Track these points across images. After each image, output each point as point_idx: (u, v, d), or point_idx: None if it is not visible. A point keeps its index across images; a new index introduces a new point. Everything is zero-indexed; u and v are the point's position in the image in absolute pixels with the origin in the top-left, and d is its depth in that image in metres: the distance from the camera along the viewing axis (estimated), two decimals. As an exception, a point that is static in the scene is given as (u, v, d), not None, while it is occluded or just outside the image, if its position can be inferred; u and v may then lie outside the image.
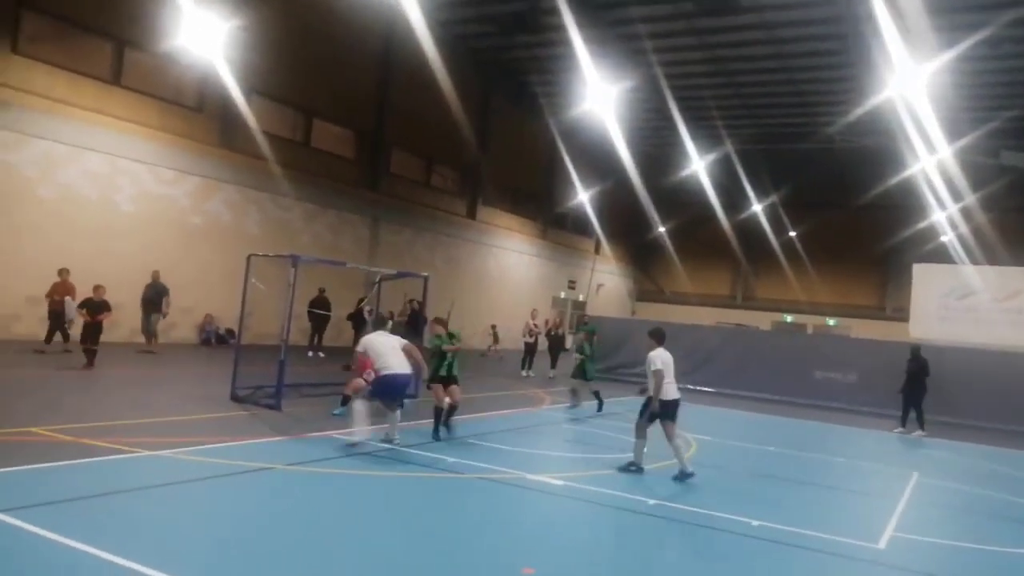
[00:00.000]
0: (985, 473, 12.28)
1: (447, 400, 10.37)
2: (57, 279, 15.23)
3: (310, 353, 19.89)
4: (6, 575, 4.61)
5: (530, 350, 21.90)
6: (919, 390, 15.88)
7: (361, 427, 9.21)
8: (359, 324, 21.48)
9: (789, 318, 41.71)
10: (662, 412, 8.97)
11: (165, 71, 20.12)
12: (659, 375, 8.90)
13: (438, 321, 11.10)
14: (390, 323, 10.19)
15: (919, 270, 35.57)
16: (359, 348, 9.73)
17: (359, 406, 9.34)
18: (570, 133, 34.13)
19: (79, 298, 14.72)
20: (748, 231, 40.47)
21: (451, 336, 10.89)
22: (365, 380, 9.71)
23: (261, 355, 13.01)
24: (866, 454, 13.47)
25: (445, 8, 25.33)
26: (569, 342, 24.50)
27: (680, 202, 40.58)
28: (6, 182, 16.83)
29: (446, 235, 30.93)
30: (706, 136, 35.18)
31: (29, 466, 6.88)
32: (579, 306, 39.31)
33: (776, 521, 7.45)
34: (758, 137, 37.21)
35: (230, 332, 19.99)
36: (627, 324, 26.08)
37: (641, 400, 9.38)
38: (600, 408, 14.37)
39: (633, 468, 9.15)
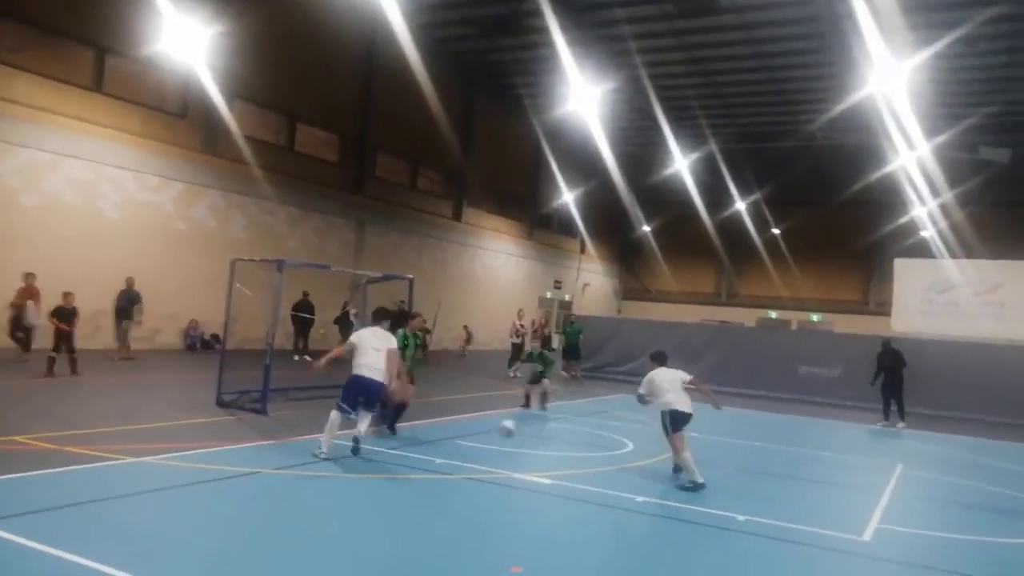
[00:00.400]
0: (968, 464, 12.43)
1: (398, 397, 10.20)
2: (23, 284, 14.98)
3: (296, 357, 19.83)
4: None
5: (517, 351, 21.94)
6: (897, 383, 16.09)
7: (327, 437, 8.70)
8: (345, 327, 21.48)
9: (774, 314, 41.97)
10: (674, 423, 8.84)
11: (147, 77, 20.03)
12: (641, 398, 9.29)
13: (416, 317, 11.28)
14: (388, 323, 9.58)
15: (900, 265, 35.88)
16: (352, 339, 9.30)
17: (333, 416, 8.75)
18: (554, 134, 34.22)
19: (45, 304, 14.50)
20: (732, 229, 40.68)
21: (415, 337, 11.02)
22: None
23: (246, 360, 12.98)
24: (850, 447, 13.61)
25: (427, 12, 25.33)
26: (556, 342, 24.55)
27: (664, 201, 40.75)
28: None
29: (432, 237, 30.93)
30: (689, 135, 35.35)
31: (12, 475, 6.86)
32: (565, 306, 39.40)
33: (762, 516, 7.53)
34: (740, 136, 37.44)
35: (215, 337, 19.91)
36: (613, 323, 26.19)
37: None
38: (526, 406, 14.10)
39: (690, 485, 8.58)
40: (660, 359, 9.41)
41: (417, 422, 11.39)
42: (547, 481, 8.46)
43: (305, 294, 20.88)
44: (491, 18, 26.66)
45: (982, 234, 33.19)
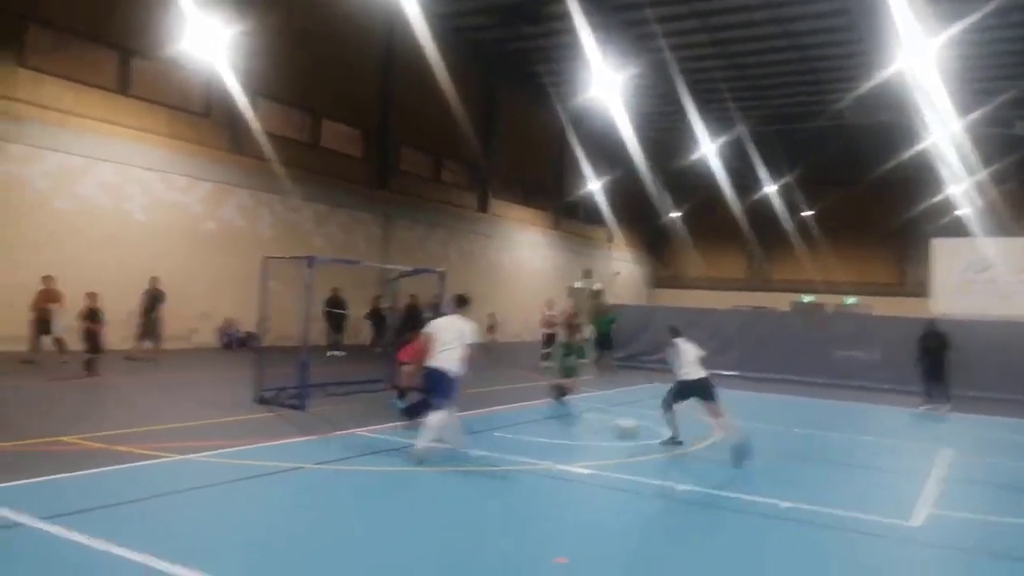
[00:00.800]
0: (1015, 445, 12.16)
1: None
2: (42, 287, 15.00)
3: (328, 353, 19.95)
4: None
5: (548, 341, 21.87)
6: (941, 365, 15.75)
7: (427, 440, 8.34)
8: (378, 322, 21.62)
9: (808, 298, 41.45)
10: (680, 390, 9.98)
11: (171, 78, 20.21)
12: (669, 361, 10.23)
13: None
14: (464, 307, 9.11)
15: (937, 244, 35.25)
16: (428, 329, 8.90)
17: (435, 419, 8.41)
18: (579, 122, 34.01)
19: (67, 306, 14.66)
20: (762, 212, 40.18)
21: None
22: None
23: (282, 356, 13.07)
24: (892, 431, 13.37)
25: (444, 2, 25.24)
26: (587, 332, 24.43)
27: (692, 186, 40.38)
28: (21, 196, 16.97)
29: (458, 229, 30.94)
30: (715, 119, 34.92)
31: (63, 475, 6.96)
32: (595, 295, 39.22)
33: (805, 502, 7.41)
34: (768, 117, 36.91)
35: (250, 335, 20.10)
36: (645, 311, 26.02)
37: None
38: (558, 399, 13.72)
39: (672, 442, 10.01)
40: (674, 332, 10.31)
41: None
42: (586, 471, 8.41)
43: (335, 290, 21.00)
44: (511, 6, 26.52)
45: (1020, 211, 32.45)
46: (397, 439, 9.47)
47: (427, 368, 8.65)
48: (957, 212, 35.19)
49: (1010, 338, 18.53)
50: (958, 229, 34.87)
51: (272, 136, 21.92)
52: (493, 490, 7.67)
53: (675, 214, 42.29)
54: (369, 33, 25.78)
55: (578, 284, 38.94)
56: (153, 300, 17.10)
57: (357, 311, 22.01)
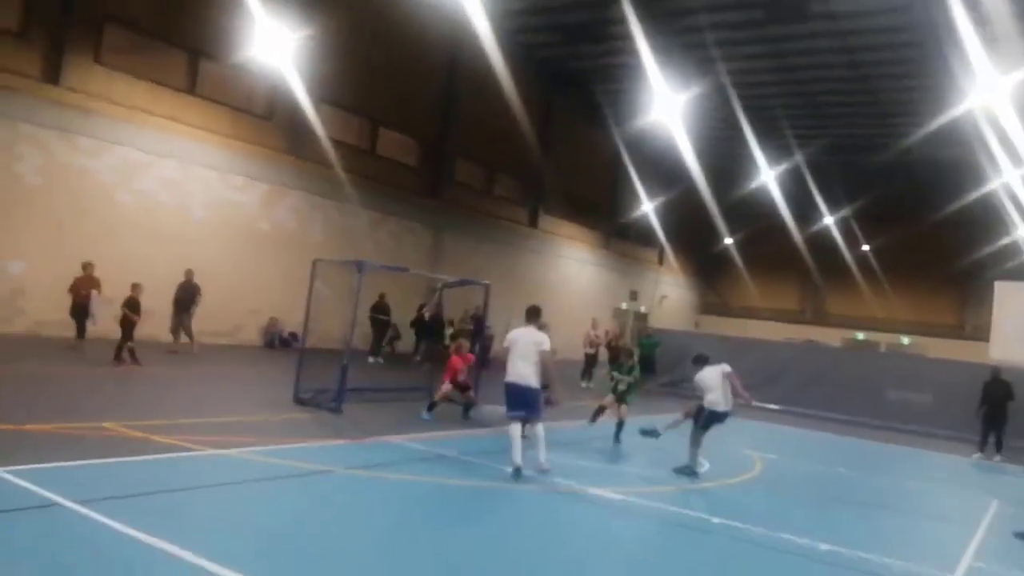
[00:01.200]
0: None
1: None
2: (81, 273, 15.08)
3: (370, 359, 20.00)
4: (80, 566, 4.72)
5: (590, 361, 21.65)
6: (1001, 414, 15.16)
7: (515, 451, 8.45)
8: (421, 330, 21.69)
9: (861, 335, 40.33)
10: (708, 421, 9.78)
11: (237, 81, 20.68)
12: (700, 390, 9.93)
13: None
14: (541, 318, 9.13)
15: (1001, 288, 33.90)
16: (504, 343, 8.97)
17: (513, 431, 8.51)
18: (635, 142, 33.79)
19: (104, 293, 14.88)
20: (819, 244, 39.29)
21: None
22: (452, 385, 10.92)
23: (323, 359, 13.15)
24: (941, 478, 12.85)
25: (510, 17, 25.39)
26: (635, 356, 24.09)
27: (747, 214, 39.72)
28: (84, 187, 17.48)
29: (508, 243, 30.93)
30: (775, 146, 34.37)
31: (102, 460, 7.07)
32: (641, 318, 38.80)
33: (845, 545, 7.13)
34: (830, 148, 36.18)
35: (293, 335, 20.34)
36: (690, 338, 25.59)
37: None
38: (617, 437, 12.20)
39: (684, 469, 9.73)
40: (701, 361, 10.10)
41: (489, 430, 11.33)
42: (620, 496, 8.23)
43: (382, 296, 21.14)
44: (574, 25, 26.54)
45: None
46: (428, 448, 9.42)
47: (506, 382, 8.72)
48: (1024, 257, 33.94)
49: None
50: (1024, 274, 33.58)
51: (330, 141, 22.25)
52: (521, 509, 7.56)
53: (729, 240, 41.64)
54: (433, 44, 26.04)
55: (624, 305, 38.58)
56: (187, 293, 16.83)
57: (403, 319, 22.12)
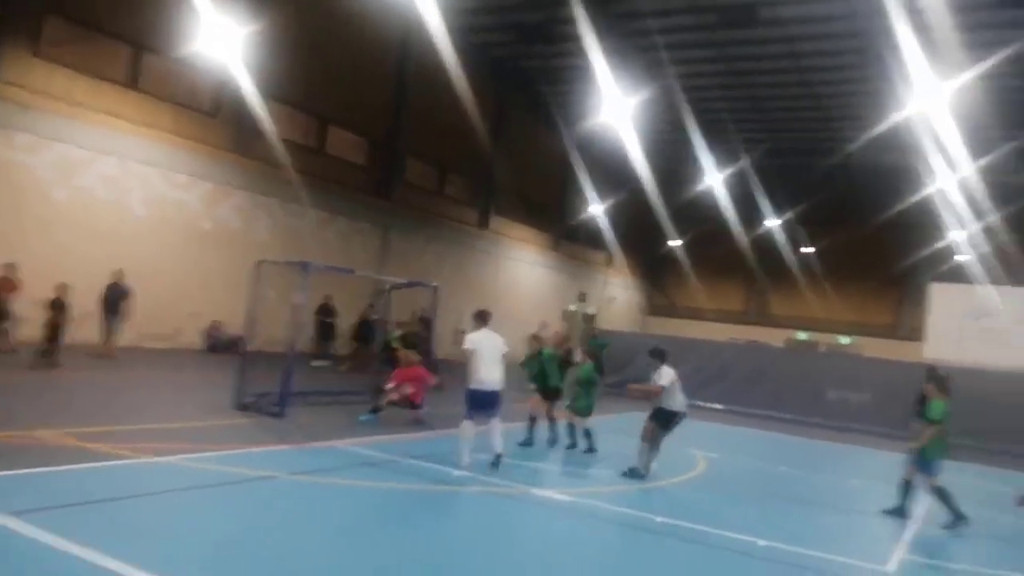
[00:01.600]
0: (997, 496, 12.00)
1: None
2: (1, 274, 14.56)
3: (313, 363, 19.63)
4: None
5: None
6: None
7: (465, 452, 9.10)
8: (365, 332, 21.46)
9: (802, 335, 41.33)
10: (667, 421, 9.69)
11: (181, 75, 20.20)
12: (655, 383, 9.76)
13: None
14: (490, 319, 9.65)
15: (936, 290, 35.15)
16: (467, 346, 9.18)
17: (467, 431, 9.14)
18: (585, 144, 34.03)
19: (25, 294, 14.42)
20: (763, 246, 40.13)
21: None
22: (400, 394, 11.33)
23: (267, 362, 12.94)
24: (878, 475, 13.21)
25: (463, 15, 25.30)
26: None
27: (695, 216, 40.31)
28: (21, 184, 16.87)
29: (457, 244, 30.86)
30: (722, 150, 34.98)
31: (33, 469, 6.83)
32: (589, 319, 39.11)
33: (783, 541, 7.31)
34: (775, 152, 37.01)
35: (237, 338, 19.91)
36: (637, 339, 25.89)
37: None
38: (589, 449, 11.46)
39: (629, 472, 9.65)
40: (659, 355, 9.83)
41: (431, 433, 11.30)
42: (564, 498, 8.28)
43: (327, 298, 20.86)
44: (526, 25, 26.60)
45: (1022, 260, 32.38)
46: (373, 452, 9.34)
47: (470, 389, 9.10)
48: (958, 258, 35.15)
49: (1009, 389, 18.36)
50: (958, 276, 34.78)
51: (277, 139, 21.84)
52: (465, 511, 7.57)
53: (676, 243, 42.26)
54: (384, 41, 25.83)
55: (572, 307, 38.84)
56: (114, 294, 16.17)
57: (349, 321, 21.86)
